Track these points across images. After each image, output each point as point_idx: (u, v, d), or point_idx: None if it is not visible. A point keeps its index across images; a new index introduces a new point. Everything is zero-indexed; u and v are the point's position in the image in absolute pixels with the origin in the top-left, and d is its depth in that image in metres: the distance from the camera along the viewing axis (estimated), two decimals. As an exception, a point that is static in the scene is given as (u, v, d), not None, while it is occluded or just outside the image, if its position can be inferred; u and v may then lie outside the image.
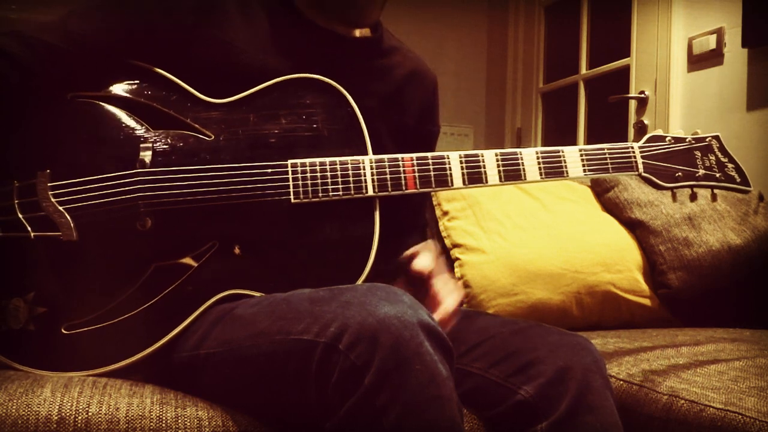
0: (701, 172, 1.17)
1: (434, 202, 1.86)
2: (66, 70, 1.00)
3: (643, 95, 2.67)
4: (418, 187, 1.06)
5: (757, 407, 1.04)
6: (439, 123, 1.30)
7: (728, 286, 1.84)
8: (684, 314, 1.83)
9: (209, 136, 1.04)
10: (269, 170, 1.02)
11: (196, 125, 1.04)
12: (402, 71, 1.21)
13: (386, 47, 1.21)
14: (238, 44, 1.07)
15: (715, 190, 1.19)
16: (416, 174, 1.06)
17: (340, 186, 1.03)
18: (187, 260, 1.00)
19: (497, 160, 1.07)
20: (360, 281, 1.02)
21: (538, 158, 1.10)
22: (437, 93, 1.29)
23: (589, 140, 3.08)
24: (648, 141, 1.16)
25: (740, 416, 1.04)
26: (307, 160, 1.03)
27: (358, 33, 1.18)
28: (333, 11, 1.11)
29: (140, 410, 0.89)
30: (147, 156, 1.01)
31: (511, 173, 1.07)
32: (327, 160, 1.03)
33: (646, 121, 2.65)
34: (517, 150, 1.09)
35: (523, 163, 1.09)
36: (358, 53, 1.17)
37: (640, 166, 1.14)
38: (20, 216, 0.98)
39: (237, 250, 1.01)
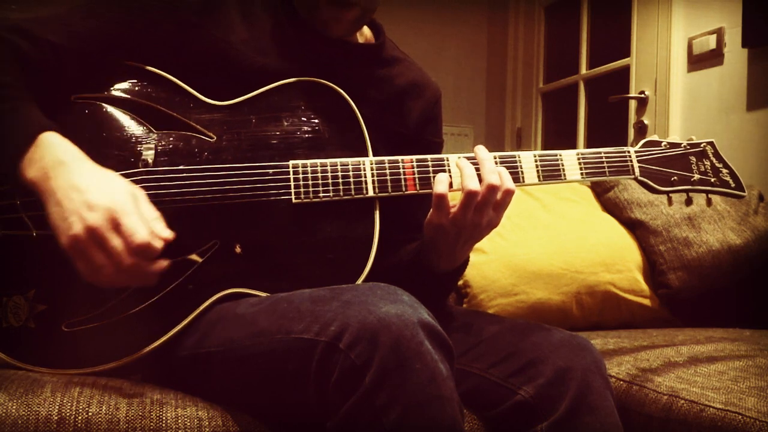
0: (696, 176, 1.18)
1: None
2: (70, 71, 1.00)
3: (643, 95, 2.67)
4: (418, 188, 1.06)
5: (757, 407, 1.04)
6: (442, 136, 1.29)
7: (728, 286, 1.84)
8: (684, 314, 1.84)
9: (211, 137, 1.04)
10: (270, 171, 1.03)
11: (199, 126, 1.04)
12: (401, 81, 1.20)
13: (388, 57, 1.21)
14: (238, 46, 1.07)
15: (710, 195, 1.20)
16: (416, 175, 1.06)
17: (341, 187, 1.03)
18: (188, 259, 1.00)
19: (496, 163, 1.07)
20: (360, 281, 1.02)
21: (536, 162, 1.10)
22: (440, 106, 1.27)
23: (589, 140, 3.08)
24: (644, 146, 1.18)
25: (740, 416, 1.04)
26: (308, 161, 1.03)
27: (360, 38, 1.18)
28: (313, 19, 1.10)
29: (140, 410, 0.89)
30: (150, 156, 1.01)
31: (510, 176, 1.07)
32: (328, 161, 1.04)
33: (646, 122, 2.65)
34: (516, 153, 1.10)
35: (521, 166, 1.09)
36: (358, 59, 1.16)
37: (636, 170, 1.15)
38: (22, 214, 0.98)
39: (238, 250, 1.01)
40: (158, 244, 0.89)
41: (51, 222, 0.89)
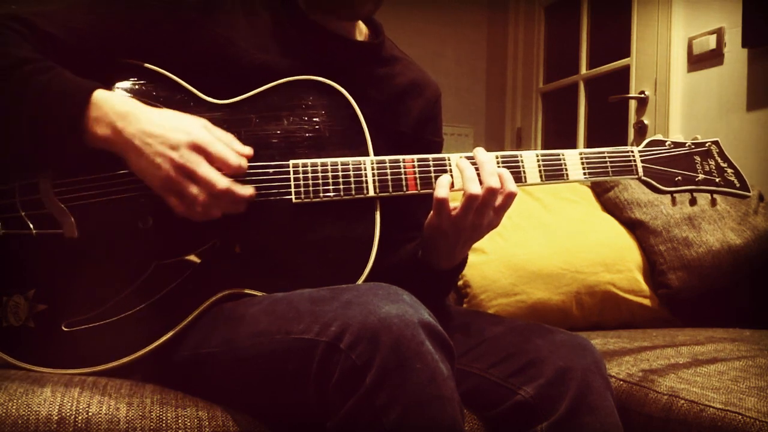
0: (701, 176, 1.17)
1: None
2: (69, 68, 1.00)
3: (643, 95, 2.67)
4: (419, 188, 1.06)
5: (757, 407, 1.04)
6: (442, 135, 1.28)
7: (728, 286, 1.84)
8: (684, 314, 1.84)
9: (211, 136, 1.04)
10: (271, 170, 1.02)
11: (199, 125, 1.04)
12: (401, 81, 1.20)
13: (387, 56, 1.21)
14: (239, 43, 1.07)
15: (714, 194, 1.19)
16: (417, 175, 1.06)
17: (341, 186, 1.03)
18: (188, 259, 1.00)
19: (497, 163, 1.07)
20: (360, 281, 1.02)
21: (538, 161, 1.10)
22: (439, 105, 1.27)
23: (589, 140, 3.08)
24: (648, 145, 1.16)
25: (740, 416, 1.04)
26: (309, 161, 1.03)
27: (359, 36, 1.18)
28: (335, 7, 1.10)
29: (140, 410, 0.89)
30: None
31: (512, 176, 1.07)
32: (328, 160, 1.04)
33: (646, 122, 2.65)
34: (518, 153, 1.09)
35: (523, 166, 1.09)
36: (359, 58, 1.16)
37: (640, 170, 1.14)
38: (22, 214, 0.98)
39: (238, 250, 1.01)
40: (245, 163, 0.97)
41: (137, 171, 0.95)
